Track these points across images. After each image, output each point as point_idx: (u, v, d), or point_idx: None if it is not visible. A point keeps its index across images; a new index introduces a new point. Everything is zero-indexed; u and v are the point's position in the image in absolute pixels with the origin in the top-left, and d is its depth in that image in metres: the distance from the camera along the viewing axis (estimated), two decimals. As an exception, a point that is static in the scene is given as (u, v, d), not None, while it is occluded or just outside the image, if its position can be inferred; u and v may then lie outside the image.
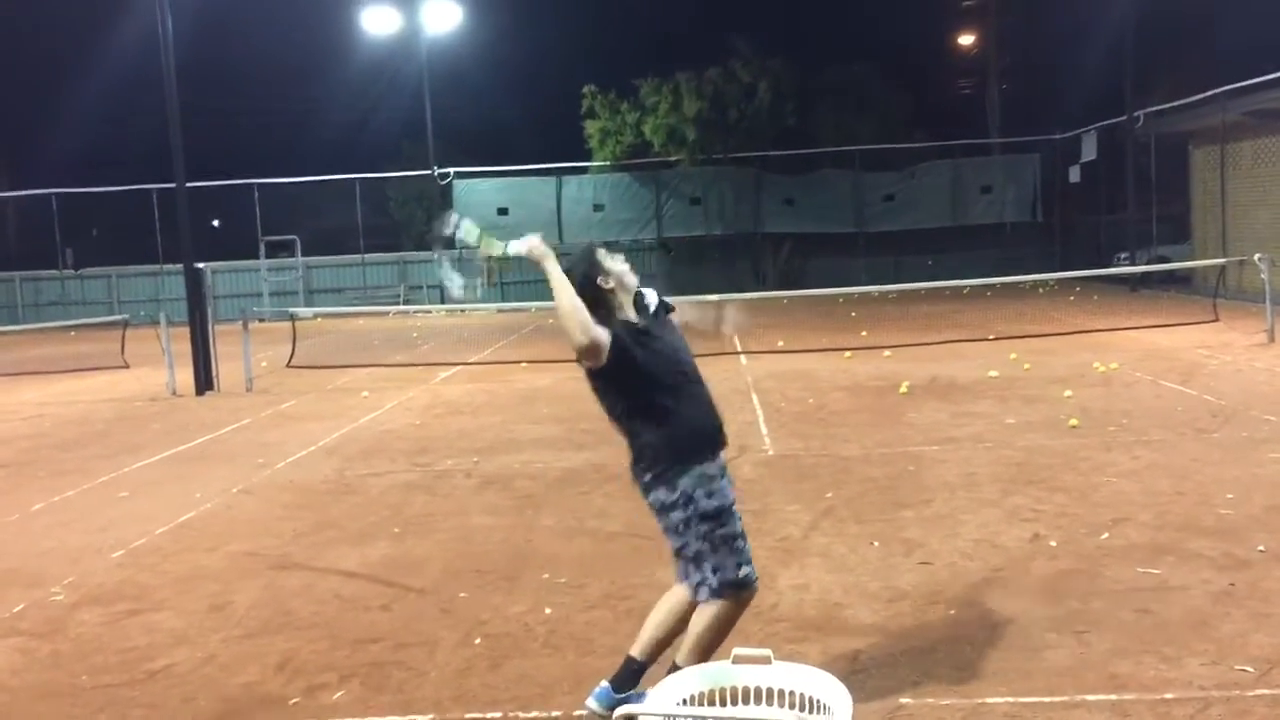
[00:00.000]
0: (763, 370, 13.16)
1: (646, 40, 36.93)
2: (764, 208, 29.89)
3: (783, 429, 9.44)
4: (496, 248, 3.87)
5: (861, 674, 4.18)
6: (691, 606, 3.77)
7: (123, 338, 16.73)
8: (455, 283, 4.07)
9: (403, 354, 17.76)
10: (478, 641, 4.77)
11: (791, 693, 3.21)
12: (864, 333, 16.98)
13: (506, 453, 8.98)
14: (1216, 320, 15.47)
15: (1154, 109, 23.59)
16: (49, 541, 6.83)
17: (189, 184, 14.52)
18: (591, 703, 3.80)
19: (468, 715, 4.06)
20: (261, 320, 22.63)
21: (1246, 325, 14.85)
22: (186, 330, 13.94)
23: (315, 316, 26.47)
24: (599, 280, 3.84)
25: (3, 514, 7.60)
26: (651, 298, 4.01)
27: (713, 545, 3.70)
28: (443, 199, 30.60)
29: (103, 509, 7.65)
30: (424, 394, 12.75)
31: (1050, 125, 30.07)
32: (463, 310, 26.82)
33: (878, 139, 29.71)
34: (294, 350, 16.06)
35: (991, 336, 15.61)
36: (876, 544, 5.90)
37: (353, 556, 6.18)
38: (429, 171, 30.07)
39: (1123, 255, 24.86)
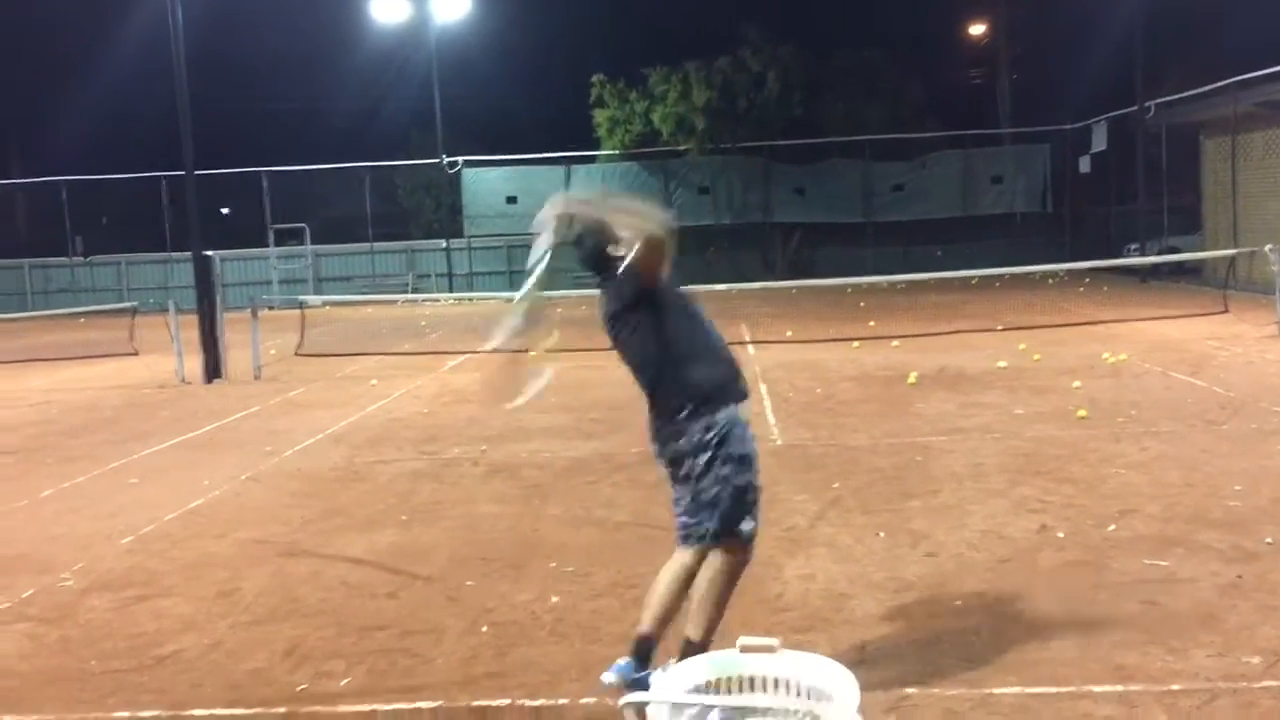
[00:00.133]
0: (771, 360, 13.14)
1: (655, 29, 36.78)
2: (773, 197, 29.84)
3: (790, 419, 9.43)
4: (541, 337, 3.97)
5: (868, 664, 4.18)
6: (693, 573, 3.86)
7: (131, 325, 16.76)
8: (508, 329, 4.05)
9: (411, 342, 17.77)
10: (484, 629, 4.78)
11: (798, 682, 3.21)
12: (872, 323, 16.95)
13: (514, 441, 8.99)
14: (1226, 311, 15.41)
15: (1165, 99, 23.45)
16: (58, 527, 6.86)
17: (198, 172, 14.55)
18: (610, 676, 3.84)
19: (474, 703, 4.07)
20: (270, 308, 22.68)
21: (1257, 317, 14.78)
22: (195, 318, 13.96)
23: (324, 304, 26.50)
24: (609, 249, 3.94)
25: (12, 500, 7.63)
26: None
27: (728, 492, 3.80)
28: (451, 187, 30.60)
29: (112, 495, 7.67)
30: (432, 382, 12.76)
31: (1061, 115, 29.94)
32: (470, 299, 26.82)
33: (887, 129, 29.61)
34: (302, 338, 16.08)
35: (1000, 327, 15.56)
36: (883, 534, 5.90)
37: (360, 544, 6.19)
38: (437, 160, 30.06)
39: (1133, 246, 24.75)
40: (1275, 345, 12.50)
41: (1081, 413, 8.89)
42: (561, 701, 4.04)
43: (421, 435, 9.46)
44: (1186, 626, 4.41)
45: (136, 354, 16.06)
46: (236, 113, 36.52)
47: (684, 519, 3.92)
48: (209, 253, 14.33)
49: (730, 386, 3.91)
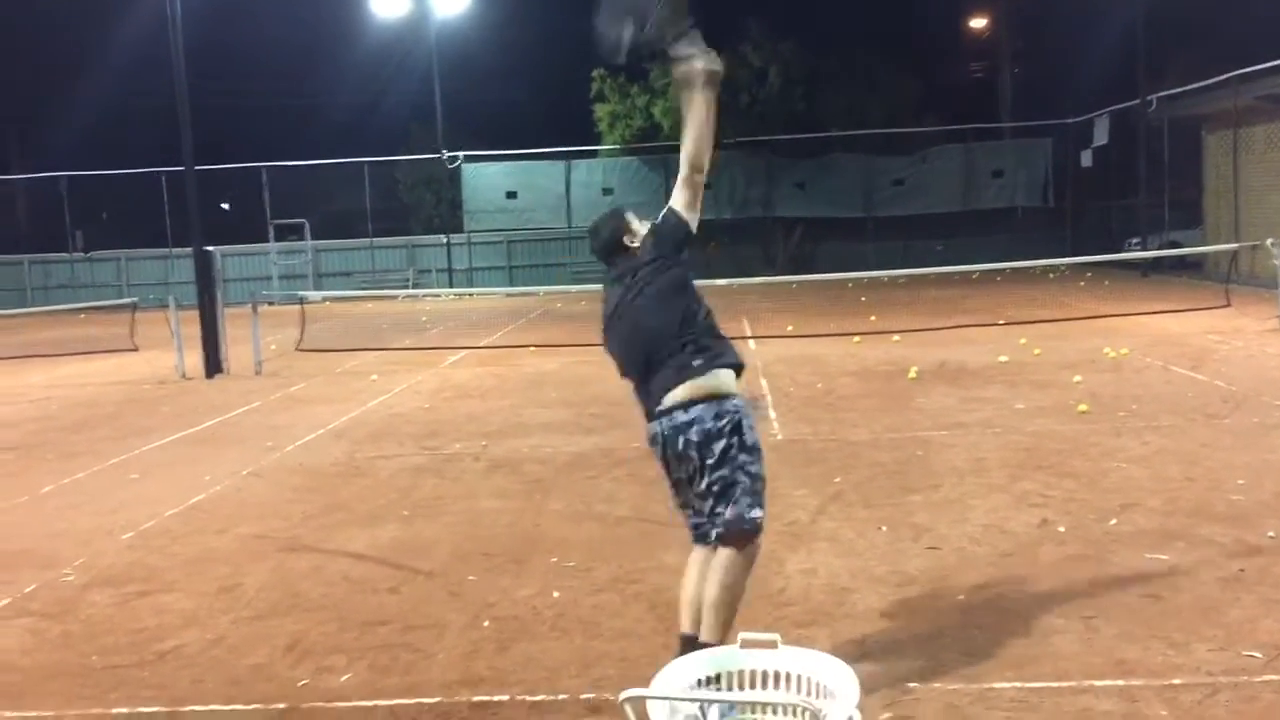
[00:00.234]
0: (771, 354, 13.14)
1: (657, 23, 36.70)
2: (774, 192, 29.83)
3: (791, 413, 9.43)
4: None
5: (869, 659, 4.17)
6: None
7: (132, 321, 16.76)
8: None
9: (411, 338, 17.78)
10: (486, 624, 4.78)
11: (799, 677, 3.21)
12: (873, 317, 16.94)
13: (515, 437, 8.99)
14: (1228, 306, 15.39)
15: (1167, 93, 23.44)
16: (59, 523, 6.86)
17: (198, 167, 14.54)
18: None
19: (475, 698, 4.06)
20: (270, 303, 22.68)
21: (1258, 311, 14.77)
22: (196, 313, 13.97)
23: (324, 300, 26.51)
24: (624, 239, 3.99)
25: (13, 496, 7.63)
26: None
27: (744, 480, 3.73)
28: (451, 182, 30.59)
29: (113, 491, 7.67)
30: (433, 378, 12.76)
31: (1062, 109, 29.90)
32: (471, 294, 26.86)
33: (888, 123, 29.59)
34: (303, 333, 16.08)
35: (1001, 321, 15.56)
36: (884, 529, 5.90)
37: (361, 539, 6.19)
38: (438, 155, 30.05)
39: (1134, 240, 24.75)
40: (1277, 339, 12.49)
41: (1083, 407, 8.88)
42: (562, 697, 4.03)
43: (423, 430, 9.46)
44: (1188, 620, 4.40)
45: (137, 350, 16.06)
46: (236, 108, 36.54)
47: (696, 519, 3.87)
48: (209, 248, 14.33)
49: (738, 373, 3.87)
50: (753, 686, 3.26)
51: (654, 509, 6.17)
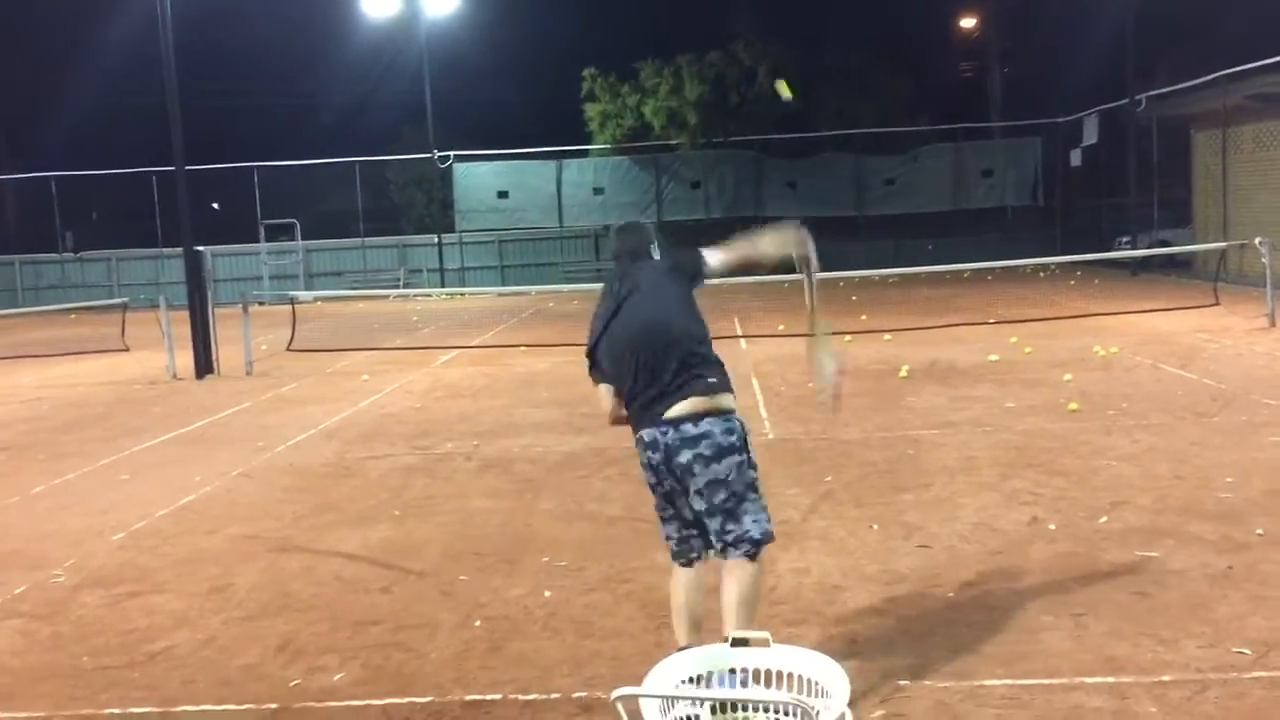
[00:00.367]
0: (763, 354, 13.15)
1: (647, 22, 36.81)
2: (765, 191, 29.86)
3: (782, 413, 9.44)
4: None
5: (860, 656, 4.19)
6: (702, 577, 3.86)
7: (122, 321, 16.72)
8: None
9: (403, 337, 17.76)
10: (477, 624, 4.78)
11: (790, 675, 3.22)
12: (864, 316, 16.97)
13: (506, 436, 8.99)
14: (1217, 304, 15.45)
15: (1155, 92, 23.52)
16: (50, 524, 6.85)
17: (188, 167, 14.51)
18: None
19: (467, 697, 4.07)
20: (261, 304, 22.61)
21: (1247, 309, 14.83)
22: (186, 313, 13.94)
23: (315, 300, 26.46)
24: (650, 247, 4.10)
25: (3, 497, 7.61)
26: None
27: (750, 496, 3.74)
28: (442, 182, 30.55)
29: (103, 492, 7.66)
30: (424, 377, 12.75)
31: (1052, 108, 29.98)
32: (462, 294, 26.83)
33: (879, 122, 29.66)
34: (294, 334, 16.05)
35: (992, 320, 15.60)
36: (875, 527, 5.91)
37: (353, 539, 6.19)
38: (429, 155, 30.01)
39: (1124, 239, 24.82)
40: (1265, 338, 12.54)
41: (1073, 405, 8.91)
42: (554, 696, 4.04)
43: (414, 430, 9.45)
44: (1177, 617, 4.42)
45: (128, 350, 16.02)
46: (227, 108, 36.43)
47: (685, 533, 3.86)
48: (200, 248, 14.31)
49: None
50: (745, 685, 3.27)
51: (646, 509, 6.14)
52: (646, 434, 3.77)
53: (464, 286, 29.20)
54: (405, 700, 4.06)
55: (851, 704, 3.02)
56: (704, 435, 3.67)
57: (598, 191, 29.90)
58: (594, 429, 8.81)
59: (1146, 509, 5.96)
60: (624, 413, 3.88)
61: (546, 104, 35.09)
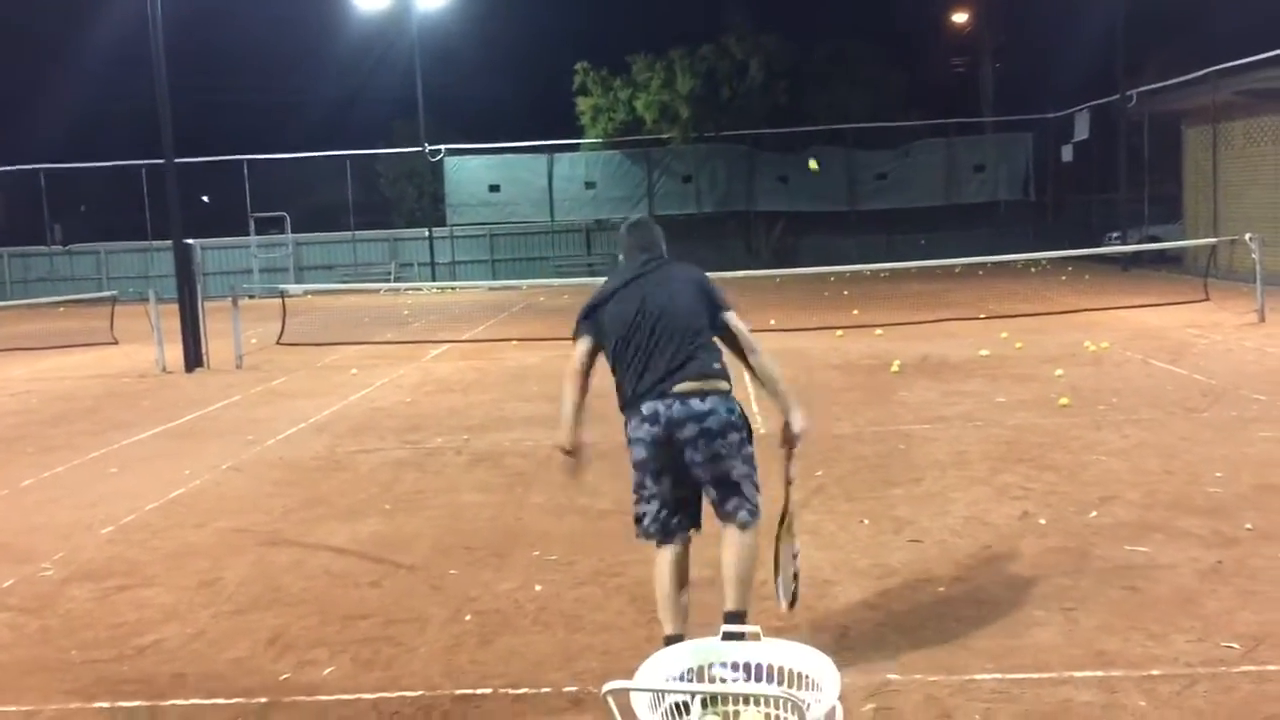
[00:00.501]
0: (754, 348, 13.13)
1: (639, 16, 36.74)
2: (757, 186, 29.85)
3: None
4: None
5: (850, 650, 4.19)
6: (684, 561, 3.99)
7: (111, 314, 16.67)
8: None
9: (393, 331, 17.73)
10: (467, 618, 4.77)
11: (780, 668, 3.22)
12: (856, 311, 16.98)
13: (497, 430, 8.98)
14: (1207, 300, 15.49)
15: (1147, 88, 23.55)
16: (38, 517, 6.82)
17: (178, 160, 14.45)
18: None
19: (457, 691, 4.06)
20: (251, 297, 22.58)
21: (1237, 305, 14.88)
22: (176, 307, 13.89)
23: (305, 293, 26.39)
24: (663, 246, 4.31)
25: (-9, 490, 7.58)
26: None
27: (748, 473, 3.96)
28: (433, 176, 30.49)
29: (92, 485, 7.63)
30: (414, 371, 12.73)
31: (1043, 104, 30.04)
32: (453, 288, 26.78)
33: (871, 117, 29.66)
34: (284, 327, 16.00)
35: (983, 315, 15.62)
36: (866, 522, 5.91)
37: (343, 533, 6.18)
38: (420, 149, 29.94)
39: (1114, 235, 24.88)
40: (1255, 333, 12.58)
41: (1063, 400, 8.93)
42: (545, 690, 4.03)
43: (404, 424, 9.44)
44: (1166, 612, 4.43)
45: (116, 343, 15.96)
46: (217, 100, 36.27)
47: (675, 513, 3.97)
48: (189, 241, 14.25)
49: None
50: (736, 679, 3.27)
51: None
52: (647, 406, 3.92)
53: (455, 280, 29.16)
54: (395, 694, 4.05)
55: (842, 697, 3.02)
56: (711, 411, 3.88)
57: (589, 186, 29.86)
58: (584, 423, 8.78)
59: (1136, 504, 5.97)
60: (575, 447, 4.24)
61: (538, 98, 35.05)
